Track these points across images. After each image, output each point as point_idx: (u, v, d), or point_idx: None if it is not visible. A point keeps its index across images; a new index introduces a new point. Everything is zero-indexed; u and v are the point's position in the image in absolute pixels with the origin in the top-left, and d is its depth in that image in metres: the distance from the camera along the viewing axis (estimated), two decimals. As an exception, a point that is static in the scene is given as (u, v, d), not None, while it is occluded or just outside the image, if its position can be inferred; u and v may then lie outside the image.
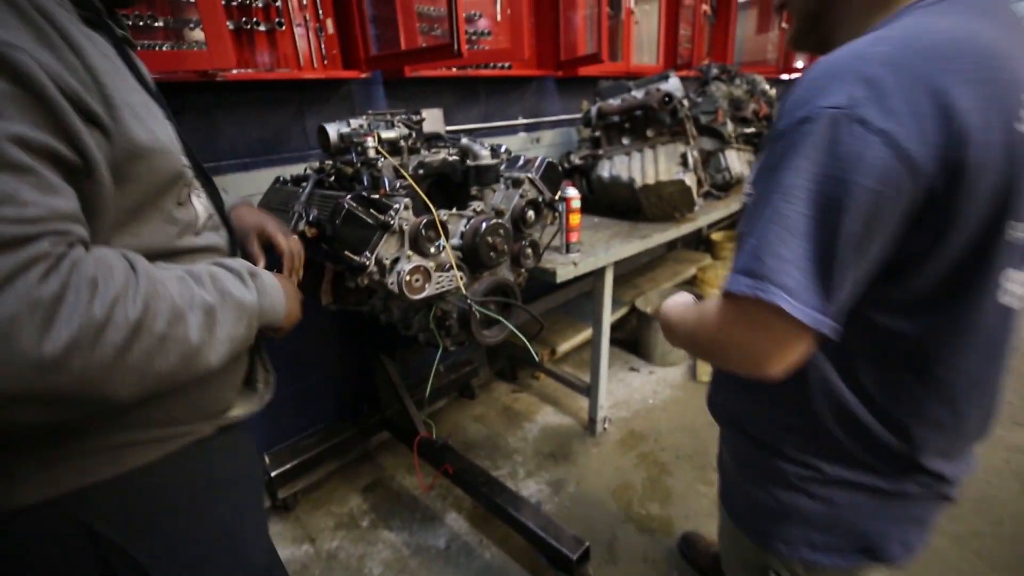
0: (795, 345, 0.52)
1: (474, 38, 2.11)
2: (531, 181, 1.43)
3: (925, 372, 0.58)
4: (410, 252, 1.15)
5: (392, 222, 1.10)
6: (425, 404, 2.41)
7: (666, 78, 2.22)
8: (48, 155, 0.43)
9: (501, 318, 1.32)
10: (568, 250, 1.77)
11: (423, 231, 1.15)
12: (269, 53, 1.62)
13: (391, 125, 1.39)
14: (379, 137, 1.30)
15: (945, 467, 0.65)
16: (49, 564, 0.56)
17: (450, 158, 1.39)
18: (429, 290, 1.17)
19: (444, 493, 1.99)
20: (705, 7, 3.37)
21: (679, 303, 0.71)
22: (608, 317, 2.08)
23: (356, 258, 1.07)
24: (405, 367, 2.13)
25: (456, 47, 1.40)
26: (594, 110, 2.33)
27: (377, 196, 1.09)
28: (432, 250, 1.18)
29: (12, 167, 0.40)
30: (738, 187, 2.75)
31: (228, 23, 1.49)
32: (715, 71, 2.83)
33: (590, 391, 2.23)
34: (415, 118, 1.53)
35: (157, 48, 1.40)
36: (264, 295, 0.64)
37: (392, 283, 1.12)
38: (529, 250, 1.45)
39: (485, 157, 1.39)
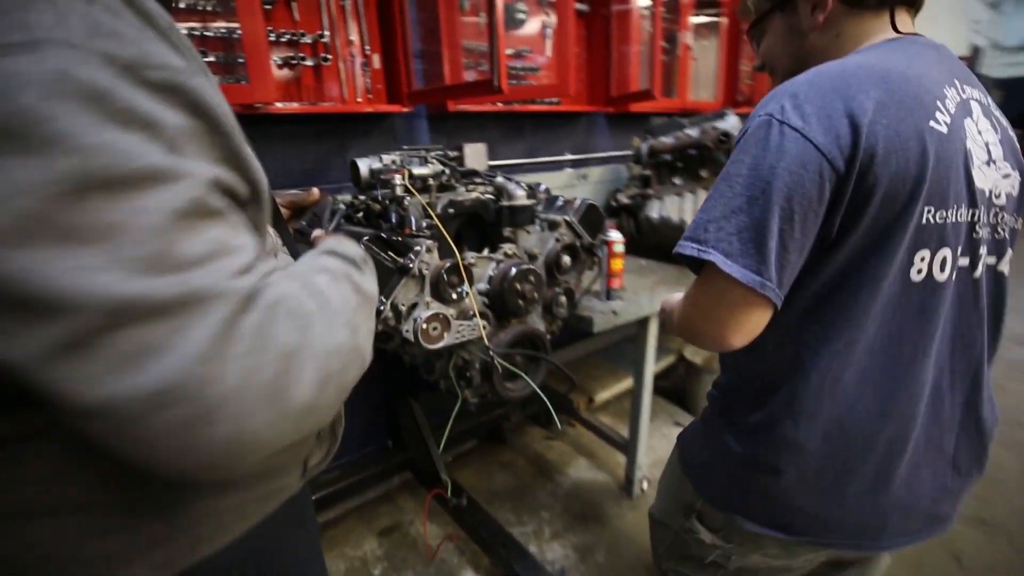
0: (746, 309, 0.61)
1: (521, 73, 2.07)
2: (568, 224, 1.33)
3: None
4: (429, 298, 1.07)
5: (411, 265, 1.02)
6: (444, 448, 2.31)
7: (723, 116, 2.09)
8: (229, 191, 0.38)
9: (523, 375, 1.21)
10: (609, 296, 1.64)
11: (445, 276, 1.07)
12: (315, 87, 1.63)
13: (424, 161, 1.34)
14: (409, 173, 1.25)
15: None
16: None
17: (484, 196, 1.32)
18: (448, 339, 1.09)
19: (462, 547, 1.86)
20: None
21: (676, 296, 0.79)
22: (651, 368, 1.92)
23: (370, 303, 1.00)
24: (432, 408, 2.05)
25: (496, 83, 1.35)
26: (645, 147, 2.22)
27: (399, 236, 1.02)
28: (454, 296, 1.10)
29: (214, 214, 0.35)
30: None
31: (276, 58, 1.52)
32: None
33: (628, 448, 2.04)
34: (452, 154, 1.48)
35: (206, 82, 1.43)
36: (375, 282, 0.58)
37: (407, 331, 1.04)
38: (563, 298, 1.34)
39: (520, 197, 1.30)
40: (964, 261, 0.65)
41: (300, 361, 0.36)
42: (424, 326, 1.04)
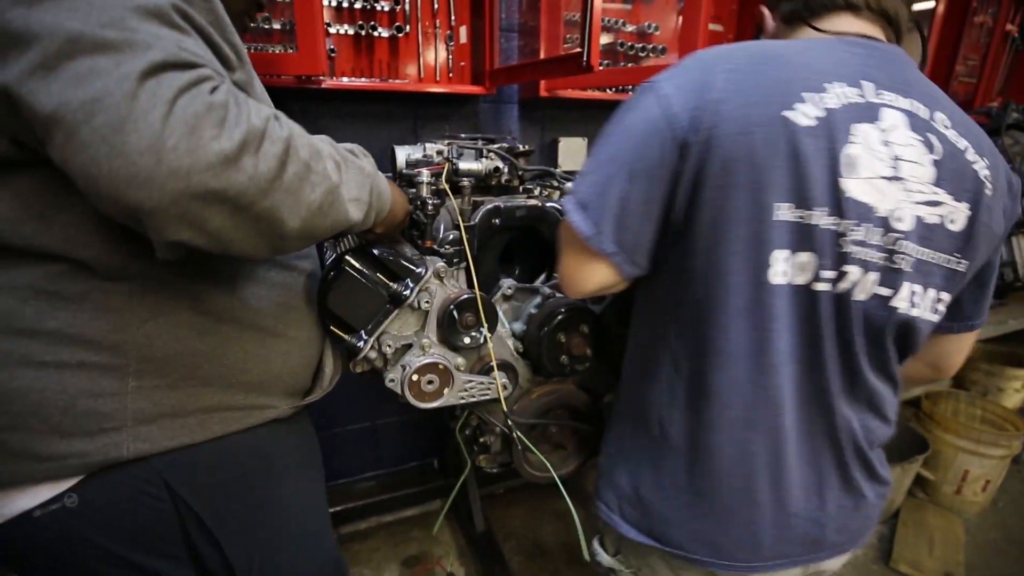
0: (588, 260, 0.64)
1: (642, 55, 1.68)
2: (654, 256, 0.96)
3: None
4: (430, 338, 0.79)
5: (406, 294, 0.75)
6: (495, 478, 2.04)
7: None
8: (198, 27, 0.50)
9: (549, 465, 0.88)
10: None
11: (456, 313, 0.78)
12: (389, 62, 1.43)
13: (480, 155, 1.06)
14: (451, 168, 0.98)
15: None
16: (136, 520, 0.60)
17: (546, 205, 1.00)
18: (448, 399, 0.80)
19: (486, 610, 1.59)
20: (1011, 27, 2.36)
21: None
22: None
23: (346, 337, 0.75)
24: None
25: (586, 59, 1.01)
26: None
27: (393, 256, 0.76)
28: (466, 341, 0.81)
29: (177, 27, 0.46)
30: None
31: (344, 27, 1.34)
32: (1014, 115, 1.90)
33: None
34: (521, 148, 1.18)
35: (270, 51, 1.31)
36: (377, 174, 0.65)
37: (392, 381, 0.78)
38: (631, 355, 0.98)
39: (591, 213, 0.96)
40: (830, 274, 0.59)
41: (224, 118, 0.44)
42: (415, 377, 0.77)
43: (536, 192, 1.29)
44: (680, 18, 1.69)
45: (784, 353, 0.61)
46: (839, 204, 0.56)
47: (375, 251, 0.75)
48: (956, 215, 0.60)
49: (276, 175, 0.47)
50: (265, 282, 0.66)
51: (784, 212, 0.56)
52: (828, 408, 0.64)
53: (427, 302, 0.77)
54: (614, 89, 1.68)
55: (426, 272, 0.77)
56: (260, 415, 0.66)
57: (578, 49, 1.04)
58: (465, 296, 0.78)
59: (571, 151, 1.73)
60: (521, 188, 1.15)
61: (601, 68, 1.55)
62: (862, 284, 0.59)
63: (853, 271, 0.58)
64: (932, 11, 2.23)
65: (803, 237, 0.57)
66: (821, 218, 0.56)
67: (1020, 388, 2.50)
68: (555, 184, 1.23)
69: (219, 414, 0.62)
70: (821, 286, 0.59)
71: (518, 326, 0.91)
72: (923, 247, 0.59)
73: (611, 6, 1.66)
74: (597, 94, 1.63)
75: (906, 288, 0.60)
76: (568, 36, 1.50)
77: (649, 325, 0.70)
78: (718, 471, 0.65)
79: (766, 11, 0.73)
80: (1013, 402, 2.51)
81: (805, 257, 0.57)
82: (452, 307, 0.78)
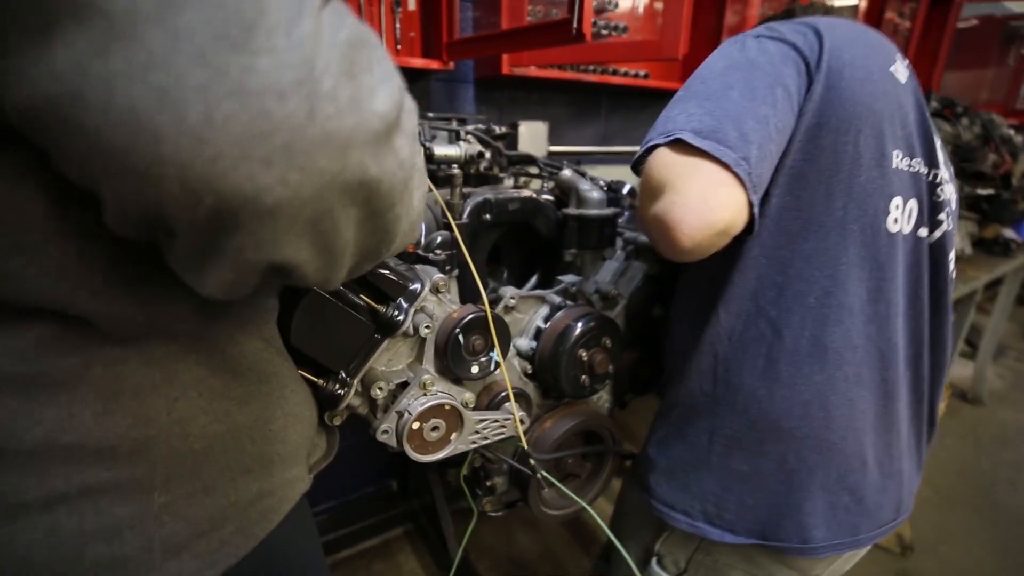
0: (724, 186, 0.50)
1: (603, 32, 1.57)
2: (667, 252, 0.85)
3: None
4: (431, 374, 0.62)
5: (400, 319, 0.58)
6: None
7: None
8: None
9: (574, 496, 0.74)
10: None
11: (460, 338, 0.61)
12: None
13: (455, 137, 0.89)
14: (427, 154, 0.80)
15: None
16: None
17: (540, 198, 0.85)
18: (456, 445, 0.64)
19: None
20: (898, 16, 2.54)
21: None
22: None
23: (319, 383, 0.56)
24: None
25: (577, 25, 0.87)
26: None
27: (377, 269, 0.57)
28: (474, 370, 0.64)
29: None
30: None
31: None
32: (935, 104, 2.02)
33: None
34: (498, 130, 1.02)
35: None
36: None
37: (385, 431, 0.60)
38: (646, 370, 0.87)
39: (595, 202, 0.83)
40: (929, 222, 0.62)
41: (382, 62, 0.28)
42: (416, 425, 0.59)
43: (511, 182, 1.13)
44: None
45: (897, 304, 0.61)
46: (933, 156, 0.62)
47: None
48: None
49: (413, 166, 0.32)
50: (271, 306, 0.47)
51: (899, 160, 0.59)
52: (921, 360, 0.65)
53: (427, 326, 0.59)
54: (573, 68, 1.55)
55: (422, 288, 0.60)
56: (293, 493, 0.47)
57: (564, 17, 0.89)
58: (471, 315, 0.62)
59: (532, 135, 1.58)
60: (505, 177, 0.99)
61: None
62: (949, 233, 0.64)
63: (945, 219, 0.63)
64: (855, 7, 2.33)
65: (911, 185, 0.60)
66: (921, 167, 0.61)
67: (946, 399, 2.74)
68: (534, 173, 1.09)
69: (259, 506, 0.43)
70: (923, 232, 0.62)
71: (524, 342, 0.76)
72: (954, 200, 0.67)
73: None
74: (558, 73, 1.49)
75: (956, 239, 0.68)
76: (531, 8, 1.34)
77: (732, 297, 0.62)
78: (833, 439, 0.60)
79: None
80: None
81: (913, 204, 0.60)
82: (457, 330, 0.61)
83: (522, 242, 0.91)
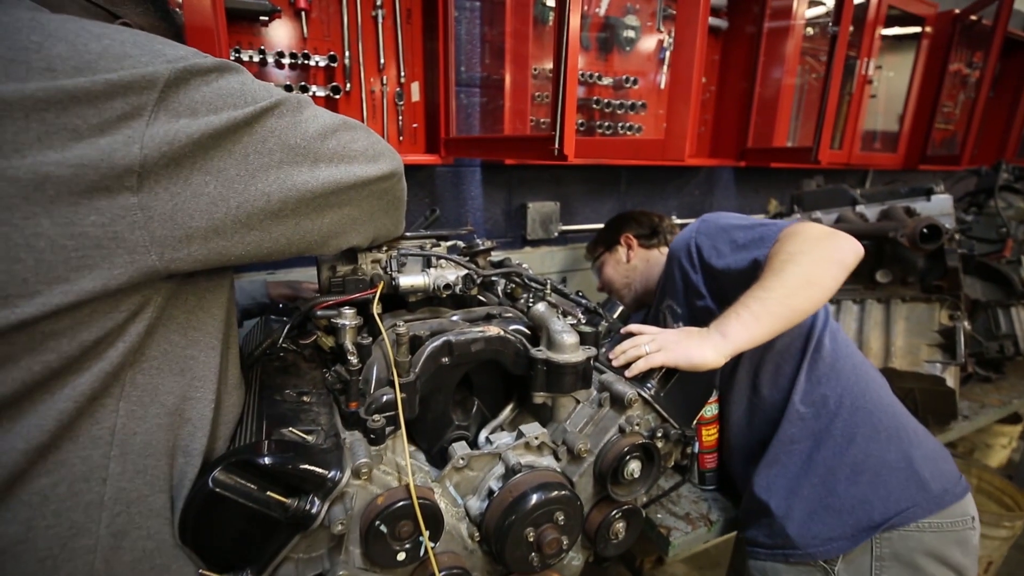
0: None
1: (619, 112, 1.51)
2: (647, 402, 0.77)
3: None
4: (347, 571, 0.57)
5: (312, 513, 0.53)
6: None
7: (927, 193, 1.37)
8: None
9: None
10: (704, 480, 1.04)
11: (384, 527, 0.56)
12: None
13: (427, 264, 0.85)
14: (386, 288, 0.77)
15: None
16: None
17: (506, 335, 0.79)
18: (375, 644, 0.58)
19: None
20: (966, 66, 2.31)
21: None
22: None
23: (224, 580, 0.52)
24: None
25: (558, 145, 0.82)
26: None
27: (288, 460, 0.54)
28: (400, 558, 0.59)
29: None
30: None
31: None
32: (1004, 176, 1.81)
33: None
34: (481, 244, 0.98)
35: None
36: None
37: (293, 632, 0.55)
38: (620, 525, 0.78)
39: (566, 346, 0.76)
40: None
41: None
42: (326, 628, 0.55)
43: (490, 301, 1.05)
44: (663, 70, 1.53)
45: None
46: None
47: (263, 458, 0.53)
48: None
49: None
50: None
51: None
52: None
53: (341, 523, 0.55)
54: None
55: (339, 476, 0.55)
56: None
57: (546, 133, 0.84)
58: (397, 503, 0.57)
59: (542, 216, 1.54)
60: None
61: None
62: None
63: None
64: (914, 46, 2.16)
65: None
66: None
67: (1007, 445, 2.42)
68: (523, 282, 1.03)
69: None
70: None
71: (475, 504, 0.70)
72: None
73: (585, 59, 1.49)
74: (587, 160, 1.44)
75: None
76: (537, 94, 1.31)
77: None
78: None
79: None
80: (999, 459, 2.44)
81: None
82: (378, 521, 0.56)
83: (494, 370, 0.86)
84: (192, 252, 0.48)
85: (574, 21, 0.77)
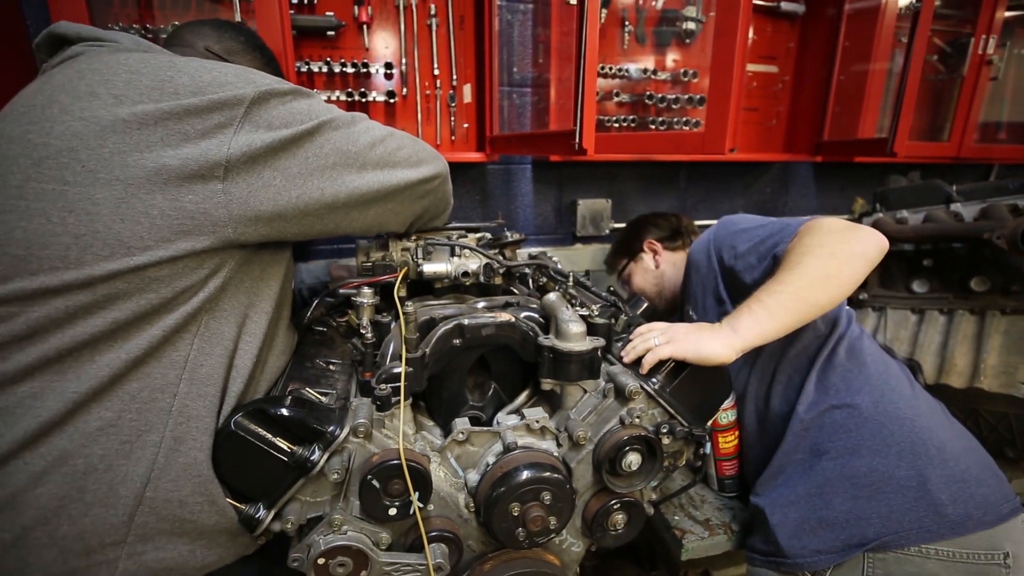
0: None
1: (675, 107, 1.47)
2: (651, 395, 0.77)
3: None
4: (342, 513, 0.64)
5: (313, 460, 0.61)
6: None
7: (1042, 189, 1.18)
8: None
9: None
10: (722, 487, 1.00)
11: (374, 482, 0.63)
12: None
13: (453, 252, 0.91)
14: (408, 274, 0.84)
15: None
16: None
17: (518, 322, 0.82)
18: (363, 588, 0.65)
19: None
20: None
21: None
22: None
23: (241, 508, 0.62)
24: None
25: (578, 140, 0.84)
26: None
27: (298, 413, 0.62)
28: (392, 513, 0.65)
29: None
30: None
31: (338, 93, 1.25)
32: None
33: None
34: (508, 236, 1.02)
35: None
36: None
37: (296, 561, 0.64)
38: (620, 516, 0.78)
39: (572, 335, 0.78)
40: None
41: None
42: (321, 561, 0.62)
43: (519, 292, 1.09)
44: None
45: None
46: None
47: (277, 409, 0.62)
48: None
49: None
50: None
51: None
52: None
53: (337, 473, 0.62)
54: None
55: (340, 431, 0.63)
56: None
57: (567, 127, 0.87)
58: (389, 462, 0.63)
59: (592, 213, 1.55)
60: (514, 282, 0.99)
61: (625, 127, 1.36)
62: None
63: None
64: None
65: None
66: None
67: None
68: (549, 275, 1.06)
69: None
70: None
71: (473, 477, 0.74)
72: None
73: (640, 54, 1.47)
74: (621, 156, 1.44)
75: None
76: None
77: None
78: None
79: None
80: None
81: None
82: (370, 476, 0.63)
83: (512, 356, 0.90)
84: (258, 229, 0.63)
85: (593, 18, 0.78)
